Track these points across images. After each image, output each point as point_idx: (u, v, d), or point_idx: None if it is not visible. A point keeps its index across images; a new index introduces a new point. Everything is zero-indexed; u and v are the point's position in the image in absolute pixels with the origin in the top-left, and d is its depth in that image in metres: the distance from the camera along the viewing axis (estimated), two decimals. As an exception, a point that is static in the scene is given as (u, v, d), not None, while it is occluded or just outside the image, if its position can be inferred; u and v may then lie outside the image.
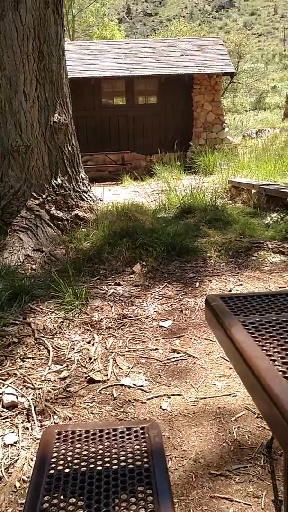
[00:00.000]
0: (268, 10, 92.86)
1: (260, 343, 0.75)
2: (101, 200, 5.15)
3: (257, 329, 0.80)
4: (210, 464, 1.54)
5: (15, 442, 1.71)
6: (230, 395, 1.94)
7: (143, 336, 2.62)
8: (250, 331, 0.79)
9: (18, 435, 1.75)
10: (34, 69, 3.88)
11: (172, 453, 1.61)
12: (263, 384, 0.61)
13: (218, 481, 1.45)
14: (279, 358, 0.69)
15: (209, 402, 1.91)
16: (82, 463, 0.93)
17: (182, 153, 11.23)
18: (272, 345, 0.74)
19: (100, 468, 0.91)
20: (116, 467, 0.91)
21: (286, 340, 0.76)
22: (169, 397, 1.96)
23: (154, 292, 3.21)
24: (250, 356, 0.68)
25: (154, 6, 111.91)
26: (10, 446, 1.69)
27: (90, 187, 5.00)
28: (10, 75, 3.85)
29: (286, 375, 0.63)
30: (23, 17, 3.84)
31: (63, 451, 0.96)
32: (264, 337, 0.77)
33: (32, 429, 1.79)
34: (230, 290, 3.30)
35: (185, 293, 3.22)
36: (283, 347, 0.73)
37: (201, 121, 11.60)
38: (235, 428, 1.71)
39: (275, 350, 0.72)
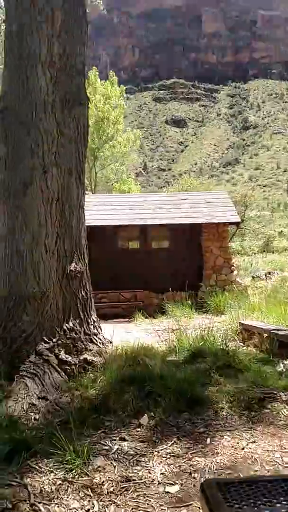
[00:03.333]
0: (271, 165, 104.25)
1: None
2: (110, 343, 5.17)
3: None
4: None
5: None
6: None
7: (147, 504, 2.39)
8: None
9: None
10: (56, 225, 4.34)
11: None
12: None
13: None
14: None
15: None
16: None
17: (193, 292, 11.55)
18: None
19: None
20: None
21: None
22: None
23: (161, 450, 3.02)
24: None
25: (167, 163, 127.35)
26: None
27: (101, 329, 5.08)
28: (33, 230, 4.29)
29: None
30: (49, 183, 4.44)
31: None
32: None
33: None
34: (243, 448, 3.08)
35: (195, 451, 3.02)
36: None
37: (211, 265, 12.20)
38: None
39: None
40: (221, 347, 5.56)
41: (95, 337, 4.74)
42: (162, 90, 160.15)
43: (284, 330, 5.72)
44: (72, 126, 4.71)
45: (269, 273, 15.03)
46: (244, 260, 22.07)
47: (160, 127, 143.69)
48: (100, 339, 4.84)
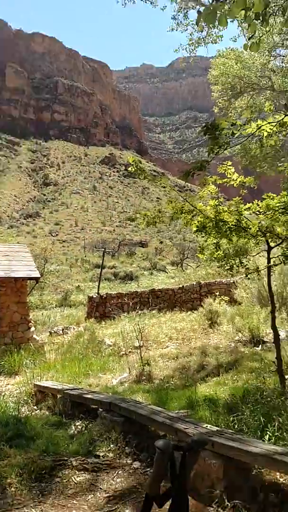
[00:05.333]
0: (70, 223, 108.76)
1: None
2: None
3: None
4: None
5: None
6: None
7: None
8: None
9: None
10: None
11: None
12: None
13: None
14: None
15: None
16: None
17: (-14, 353, 10.73)
18: None
19: None
20: None
21: None
22: None
23: None
24: None
25: None
26: None
27: None
28: None
29: None
30: None
31: None
32: None
33: None
34: (31, 528, 2.95)
35: None
36: None
37: (7, 321, 11.69)
38: None
39: None
40: (13, 414, 5.30)
41: None
42: None
43: (77, 389, 5.85)
44: None
45: (66, 328, 15.25)
46: (42, 313, 21.85)
47: None
48: None
